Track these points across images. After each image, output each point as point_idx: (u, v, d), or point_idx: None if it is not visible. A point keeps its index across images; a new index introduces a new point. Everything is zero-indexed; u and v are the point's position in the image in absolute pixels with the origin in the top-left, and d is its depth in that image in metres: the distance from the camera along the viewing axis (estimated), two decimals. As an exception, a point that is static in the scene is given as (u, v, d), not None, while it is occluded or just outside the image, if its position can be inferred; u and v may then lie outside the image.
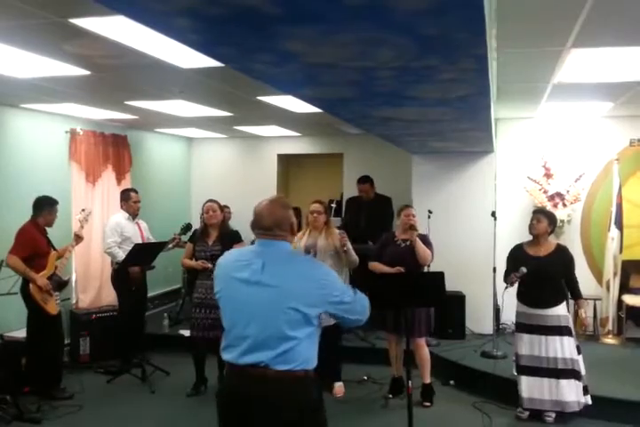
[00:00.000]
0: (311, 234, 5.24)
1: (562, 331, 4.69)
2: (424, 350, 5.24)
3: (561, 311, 4.71)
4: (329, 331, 4.47)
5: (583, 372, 4.74)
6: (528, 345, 4.78)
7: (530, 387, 4.76)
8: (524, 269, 4.65)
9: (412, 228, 5.13)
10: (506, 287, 4.90)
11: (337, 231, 5.22)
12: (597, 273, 6.96)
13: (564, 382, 4.66)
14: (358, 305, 2.61)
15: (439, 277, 4.15)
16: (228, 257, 2.66)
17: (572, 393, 4.67)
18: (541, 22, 3.15)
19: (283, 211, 2.60)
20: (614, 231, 6.68)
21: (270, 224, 2.54)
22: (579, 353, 4.75)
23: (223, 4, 1.71)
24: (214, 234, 5.28)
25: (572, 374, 4.68)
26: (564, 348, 4.68)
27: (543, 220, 4.76)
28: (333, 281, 2.53)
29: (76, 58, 4.03)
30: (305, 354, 2.48)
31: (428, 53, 2.29)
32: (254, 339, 2.44)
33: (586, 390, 4.73)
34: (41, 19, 3.18)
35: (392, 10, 1.72)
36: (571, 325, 4.76)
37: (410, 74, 2.67)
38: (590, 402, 4.73)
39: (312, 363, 2.52)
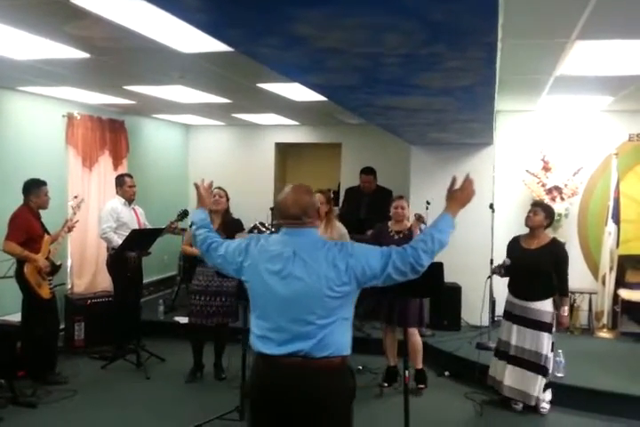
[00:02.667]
0: None
1: (542, 326, 4.68)
2: (416, 337, 5.26)
3: (545, 307, 4.69)
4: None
5: (551, 370, 4.79)
6: (508, 332, 4.82)
7: (503, 373, 4.82)
8: (507, 261, 4.77)
9: (421, 219, 5.11)
10: (489, 276, 4.94)
11: (339, 225, 5.15)
12: (594, 267, 6.98)
13: (530, 374, 4.69)
14: (408, 255, 2.47)
15: (438, 267, 4.14)
16: (255, 247, 2.59)
17: (535, 387, 4.70)
18: (548, 13, 3.12)
19: (307, 197, 2.57)
20: (611, 226, 6.70)
21: (297, 212, 2.52)
22: (552, 350, 4.76)
23: (234, -16, 1.68)
24: (217, 221, 5.25)
25: (541, 370, 4.69)
26: (540, 343, 4.67)
27: (540, 213, 4.76)
28: (365, 253, 2.48)
29: (76, 40, 3.98)
30: (341, 339, 2.49)
31: (437, 40, 2.26)
32: (291, 329, 2.42)
33: (547, 387, 4.78)
34: (43, -3, 3.14)
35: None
36: (553, 322, 4.73)
37: (416, 61, 2.65)
38: (548, 399, 4.80)
39: (348, 348, 2.53)
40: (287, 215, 2.55)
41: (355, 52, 2.50)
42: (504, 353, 4.85)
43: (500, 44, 3.53)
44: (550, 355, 4.72)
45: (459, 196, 2.66)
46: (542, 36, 3.61)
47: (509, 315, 4.85)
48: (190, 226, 5.50)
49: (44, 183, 5.30)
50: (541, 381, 4.70)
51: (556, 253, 4.74)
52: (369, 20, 2.01)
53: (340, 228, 5.08)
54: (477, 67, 2.74)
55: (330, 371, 2.44)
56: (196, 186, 3.06)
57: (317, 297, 2.41)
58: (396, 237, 5.19)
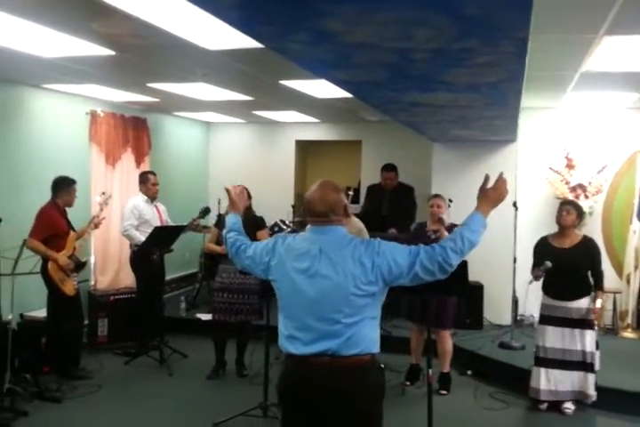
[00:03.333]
0: None
1: (585, 324, 4.65)
2: (448, 342, 5.23)
3: (585, 304, 4.67)
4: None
5: (597, 368, 4.72)
6: (552, 337, 4.75)
7: (550, 379, 4.73)
8: (548, 264, 4.60)
9: (441, 221, 5.07)
10: (530, 281, 4.88)
11: (355, 220, 5.15)
12: (618, 266, 6.90)
13: (589, 375, 4.65)
14: (437, 254, 2.42)
15: (462, 265, 4.11)
16: (282, 246, 2.58)
17: (589, 385, 4.68)
18: (578, 8, 3.08)
19: (335, 194, 2.55)
20: (636, 224, 6.62)
21: (325, 209, 2.50)
22: (597, 348, 4.72)
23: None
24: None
25: (589, 367, 4.67)
26: (587, 341, 4.65)
27: (572, 212, 4.71)
28: (392, 251, 2.45)
29: (102, 37, 4.00)
30: (370, 336, 2.46)
31: (468, 35, 2.24)
32: (318, 328, 2.41)
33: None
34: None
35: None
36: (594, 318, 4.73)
37: (446, 56, 2.62)
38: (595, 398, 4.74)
39: (376, 345, 2.51)
40: (314, 213, 2.53)
41: (384, 47, 2.48)
42: (549, 360, 4.75)
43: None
44: (596, 351, 4.68)
45: (491, 195, 2.59)
46: (570, 32, 3.56)
47: (549, 319, 4.76)
48: (215, 225, 5.59)
49: (74, 182, 5.35)
50: (592, 378, 4.66)
51: (591, 249, 4.72)
52: (400, 14, 1.99)
53: (356, 222, 5.07)
54: (507, 62, 2.71)
55: (359, 369, 2.43)
56: (227, 191, 3.06)
57: (344, 295, 2.39)
58: (433, 236, 5.09)
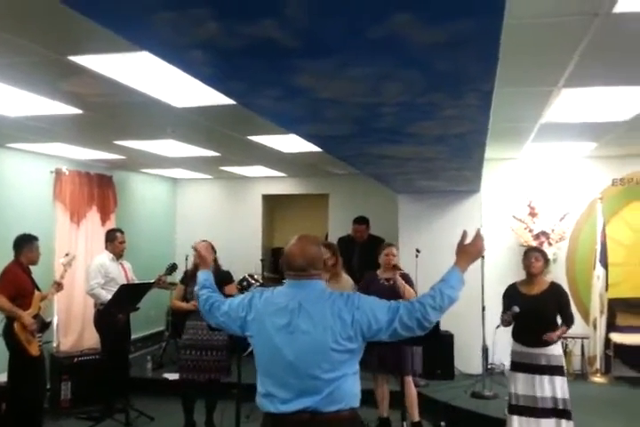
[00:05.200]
0: None
1: (556, 371, 4.64)
2: (411, 387, 5.15)
3: (555, 351, 4.66)
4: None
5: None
6: (522, 384, 4.72)
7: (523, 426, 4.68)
8: (516, 309, 4.62)
9: (396, 267, 5.11)
10: (497, 326, 4.88)
11: (346, 276, 5.11)
12: (584, 312, 6.97)
13: (563, 421, 4.60)
14: (416, 310, 2.40)
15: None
16: (259, 300, 2.55)
17: None
18: (536, 62, 3.23)
19: (315, 248, 2.55)
20: (599, 270, 6.74)
21: (304, 264, 2.49)
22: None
23: (243, 36, 1.72)
24: (206, 274, 5.18)
25: (567, 414, 4.62)
26: (557, 388, 4.62)
27: (540, 258, 4.78)
28: (371, 307, 2.43)
29: (70, 96, 4.02)
30: (351, 391, 2.42)
31: (435, 89, 2.33)
32: (297, 385, 2.37)
33: None
34: (40, 56, 3.18)
35: (410, 43, 1.74)
36: (564, 364, 4.73)
37: (413, 110, 2.70)
38: None
39: (357, 400, 2.46)
40: (293, 267, 2.51)
41: (352, 101, 2.55)
42: (522, 407, 4.67)
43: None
44: (568, 397, 4.62)
45: (470, 250, 2.58)
46: (530, 84, 3.72)
47: (519, 365, 4.73)
48: (181, 282, 5.51)
49: (35, 238, 5.26)
50: (568, 424, 4.59)
51: (559, 295, 4.75)
52: (374, 70, 2.05)
53: (346, 281, 5.01)
54: (472, 114, 2.80)
55: (340, 425, 2.37)
56: (195, 249, 3.05)
57: (323, 350, 2.36)
58: (386, 284, 5.14)
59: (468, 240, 2.63)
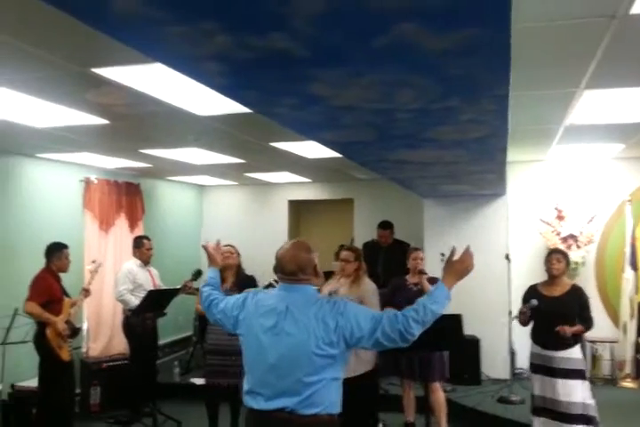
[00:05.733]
0: (340, 280, 5.07)
1: (574, 374, 4.56)
2: (439, 393, 5.12)
3: (574, 354, 4.58)
4: (364, 378, 4.36)
5: (598, 417, 4.58)
6: (540, 386, 4.68)
7: None
8: (534, 302, 4.59)
9: (422, 272, 5.10)
10: (513, 317, 4.82)
11: (368, 281, 5.05)
12: (614, 315, 6.87)
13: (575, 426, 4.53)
14: (398, 322, 2.42)
15: (456, 319, 4.10)
16: (252, 301, 2.64)
17: None
18: (556, 64, 3.21)
19: (306, 255, 2.60)
20: (629, 272, 6.63)
21: (294, 269, 2.55)
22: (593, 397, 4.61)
23: (255, 48, 1.75)
24: (231, 280, 5.23)
25: (584, 419, 4.51)
26: (574, 392, 4.53)
27: (562, 259, 4.73)
28: (356, 314, 2.47)
29: (96, 107, 4.11)
30: (330, 397, 2.46)
31: (450, 94, 2.33)
32: (278, 385, 2.43)
33: None
34: (65, 69, 3.26)
35: (419, 51, 1.76)
36: (585, 368, 4.65)
37: (429, 115, 2.71)
38: None
39: (337, 407, 2.49)
40: (284, 271, 2.59)
41: (368, 108, 2.57)
42: (545, 410, 4.64)
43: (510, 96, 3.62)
44: (590, 402, 4.53)
45: (458, 267, 2.58)
46: (551, 87, 3.69)
47: (537, 367, 4.70)
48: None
49: (65, 246, 5.36)
50: None
51: (581, 298, 4.69)
52: (386, 77, 2.07)
53: (367, 284, 4.94)
54: (490, 119, 2.80)
55: None
56: (204, 247, 3.11)
57: (306, 354, 2.41)
58: (414, 288, 5.13)
59: (457, 257, 2.63)
